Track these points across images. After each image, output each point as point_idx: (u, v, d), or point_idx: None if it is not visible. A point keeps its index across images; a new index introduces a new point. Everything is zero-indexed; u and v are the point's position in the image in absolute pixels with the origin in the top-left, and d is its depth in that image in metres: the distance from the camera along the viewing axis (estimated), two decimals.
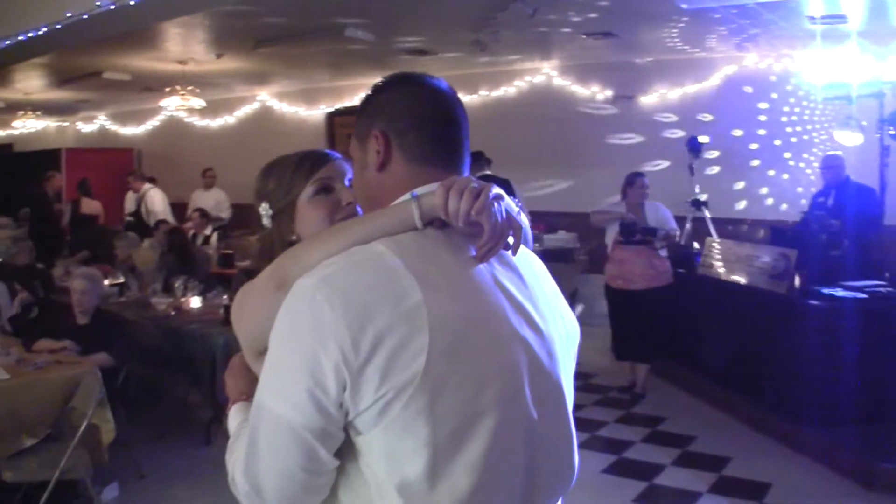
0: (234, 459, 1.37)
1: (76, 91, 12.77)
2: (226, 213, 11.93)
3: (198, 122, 14.88)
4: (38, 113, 14.33)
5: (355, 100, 12.40)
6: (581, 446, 5.06)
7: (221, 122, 14.56)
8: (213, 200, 12.01)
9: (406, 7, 7.46)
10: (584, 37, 8.36)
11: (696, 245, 7.53)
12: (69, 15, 5.33)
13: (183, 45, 9.38)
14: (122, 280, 7.87)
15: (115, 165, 14.58)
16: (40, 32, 5.63)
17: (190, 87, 11.02)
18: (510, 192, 7.42)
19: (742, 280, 6.55)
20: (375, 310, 1.19)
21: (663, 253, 6.85)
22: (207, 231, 10.87)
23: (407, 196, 1.36)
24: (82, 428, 4.38)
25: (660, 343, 6.94)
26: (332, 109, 13.02)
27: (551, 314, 1.44)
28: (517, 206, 1.45)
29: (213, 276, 8.42)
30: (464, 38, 8.62)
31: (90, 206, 11.48)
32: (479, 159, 7.70)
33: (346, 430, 1.25)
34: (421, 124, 1.41)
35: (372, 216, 1.36)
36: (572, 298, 9.85)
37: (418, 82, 1.47)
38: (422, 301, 1.20)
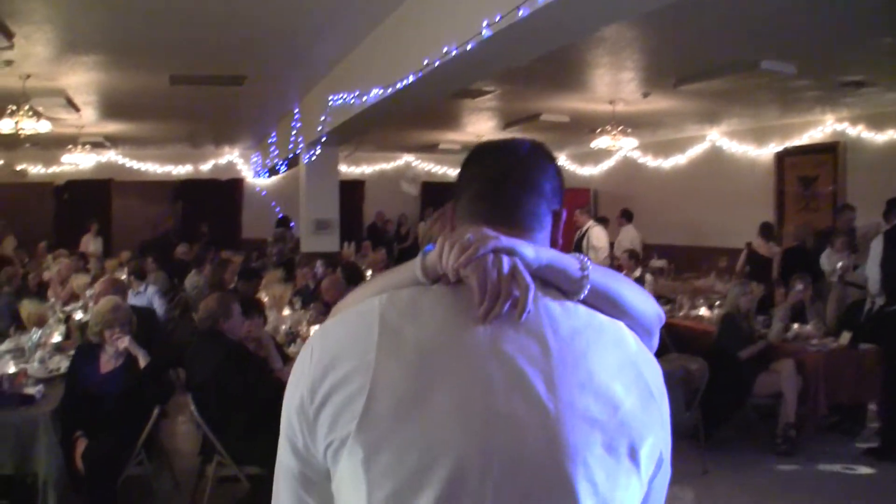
0: None
1: (519, 133, 13.91)
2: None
3: (650, 162, 15.36)
4: None
5: (804, 138, 11.97)
6: None
7: (673, 161, 14.84)
8: (628, 239, 12.66)
9: (820, 34, 7.12)
10: None
11: None
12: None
13: (610, 84, 9.87)
14: None
15: (571, 205, 15.44)
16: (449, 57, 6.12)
17: (620, 128, 11.48)
18: None
19: None
20: (339, 361, 1.24)
21: None
22: (637, 272, 11.13)
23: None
24: None
25: None
26: (781, 149, 12.65)
27: (586, 393, 1.24)
28: (572, 263, 1.36)
29: None
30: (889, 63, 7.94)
31: None
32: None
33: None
34: (469, 189, 1.45)
35: (396, 269, 1.44)
36: None
37: (481, 150, 1.51)
38: (373, 359, 1.23)
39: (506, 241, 1.29)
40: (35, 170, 16.83)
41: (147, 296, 8.31)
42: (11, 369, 5.24)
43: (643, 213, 14.62)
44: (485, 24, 5.07)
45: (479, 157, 1.49)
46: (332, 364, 1.25)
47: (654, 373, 1.33)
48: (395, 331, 1.25)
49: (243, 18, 7.14)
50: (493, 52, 5.67)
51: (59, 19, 6.95)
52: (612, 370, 1.28)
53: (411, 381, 1.21)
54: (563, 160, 17.97)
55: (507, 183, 1.43)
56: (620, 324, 1.35)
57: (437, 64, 6.05)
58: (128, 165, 17.35)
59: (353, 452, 1.20)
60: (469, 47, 5.49)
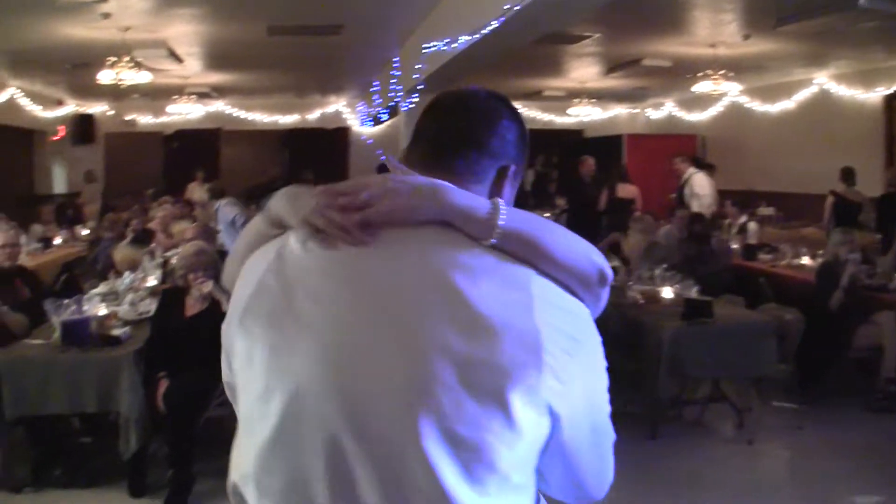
0: None
1: (623, 78, 13.66)
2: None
3: (757, 107, 14.86)
4: (593, 101, 15.65)
5: None
6: None
7: (780, 107, 14.31)
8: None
9: None
10: None
11: None
12: None
13: (709, 27, 9.60)
14: (615, 263, 8.18)
15: (677, 151, 15.04)
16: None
17: (723, 72, 11.14)
18: None
19: None
20: (245, 284, 1.40)
21: None
22: (742, 219, 10.82)
23: None
24: None
25: None
26: (890, 92, 12.03)
27: (452, 326, 1.22)
28: (480, 205, 1.32)
29: (732, 267, 8.46)
30: None
31: (626, 190, 12.14)
32: None
33: None
34: (418, 138, 1.52)
35: (246, 229, 1.61)
36: None
37: (436, 102, 1.55)
38: (264, 272, 1.36)
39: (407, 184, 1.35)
40: (144, 120, 17.47)
41: (218, 211, 8.88)
42: (102, 311, 5.43)
43: (751, 160, 14.35)
44: None
45: (433, 108, 1.52)
46: (242, 289, 1.39)
47: (556, 320, 1.26)
48: (287, 255, 1.36)
49: None
50: None
51: None
52: (494, 308, 1.23)
53: (281, 295, 1.32)
54: (669, 106, 17.63)
55: (450, 137, 1.46)
56: (528, 270, 1.29)
57: (517, 8, 5.99)
58: (235, 115, 17.82)
59: (238, 355, 1.35)
60: None
